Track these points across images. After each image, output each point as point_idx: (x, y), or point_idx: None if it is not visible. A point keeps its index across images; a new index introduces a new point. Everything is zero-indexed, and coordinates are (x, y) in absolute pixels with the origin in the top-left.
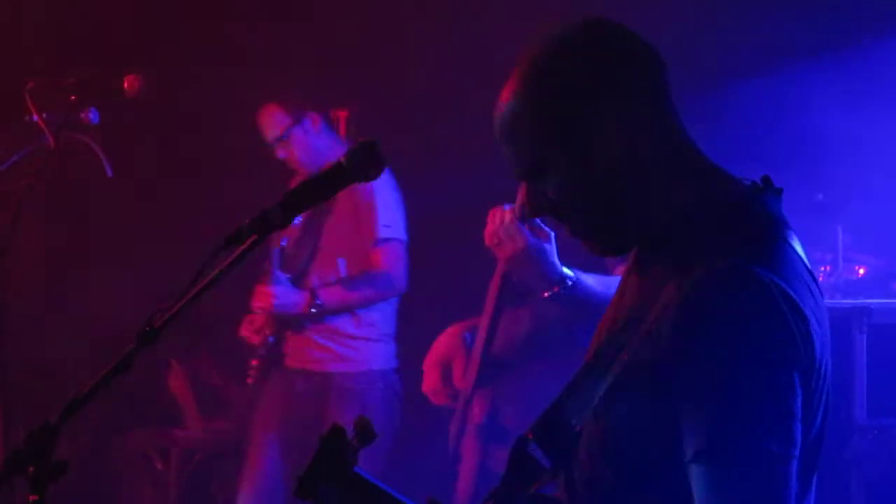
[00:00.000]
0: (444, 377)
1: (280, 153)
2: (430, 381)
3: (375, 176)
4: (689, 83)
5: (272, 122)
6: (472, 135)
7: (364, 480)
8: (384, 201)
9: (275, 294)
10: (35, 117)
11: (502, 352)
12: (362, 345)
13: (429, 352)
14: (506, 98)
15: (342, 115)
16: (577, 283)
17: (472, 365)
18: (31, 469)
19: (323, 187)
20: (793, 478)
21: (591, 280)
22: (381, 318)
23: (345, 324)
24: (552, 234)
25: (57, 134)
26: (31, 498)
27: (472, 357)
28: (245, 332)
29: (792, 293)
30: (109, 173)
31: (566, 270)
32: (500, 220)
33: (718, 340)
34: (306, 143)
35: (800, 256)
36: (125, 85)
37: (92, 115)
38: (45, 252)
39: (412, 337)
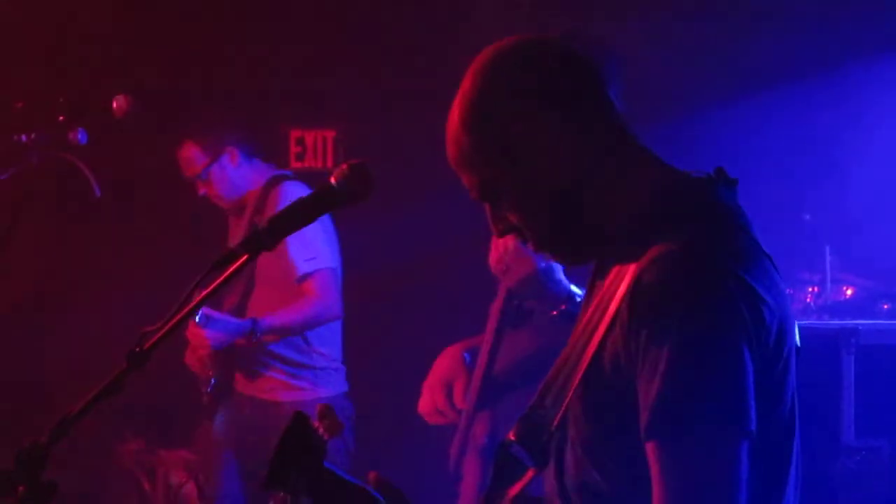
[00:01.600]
0: (447, 398)
1: (200, 190)
2: (431, 402)
3: (364, 197)
4: (674, 104)
5: (190, 160)
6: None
7: (334, 473)
8: (299, 235)
9: (209, 337)
10: (24, 137)
11: (504, 373)
12: (309, 373)
13: (429, 372)
14: (450, 126)
15: (329, 135)
16: (583, 299)
17: (474, 386)
18: (21, 489)
19: (311, 209)
20: (743, 454)
21: None
22: (327, 344)
23: (291, 351)
24: None
25: (45, 154)
26: None
27: (473, 378)
28: (188, 360)
29: (742, 273)
30: (97, 193)
31: (573, 288)
32: (505, 246)
33: (667, 318)
34: (224, 178)
35: (753, 239)
36: (113, 105)
37: (80, 135)
38: (35, 271)
39: (410, 357)
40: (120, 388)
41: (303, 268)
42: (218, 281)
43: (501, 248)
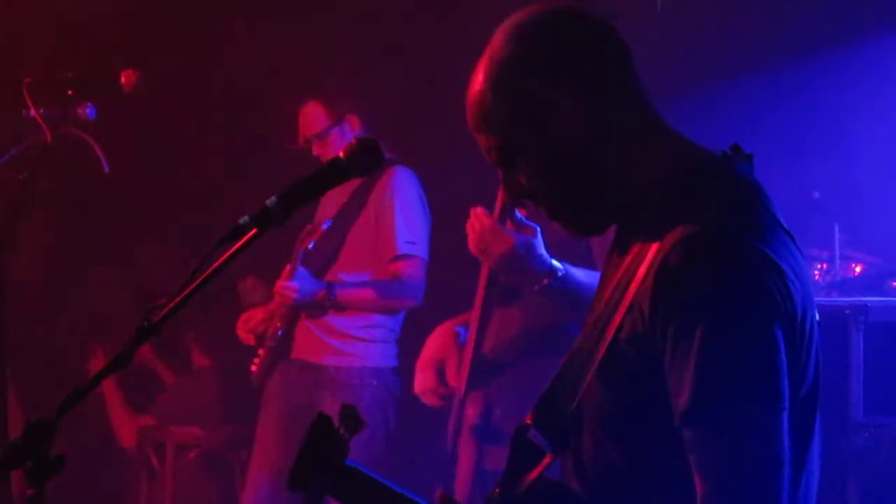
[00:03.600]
0: (439, 376)
1: (316, 150)
2: (423, 382)
3: (371, 172)
4: (683, 82)
5: (313, 119)
6: (459, 129)
7: (357, 471)
8: (407, 218)
9: (297, 288)
10: (32, 112)
11: (494, 352)
12: (360, 343)
13: (421, 352)
14: (473, 87)
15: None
16: (566, 274)
17: (464, 366)
18: (29, 463)
19: (321, 182)
20: (784, 431)
21: (580, 273)
22: (384, 319)
23: (344, 322)
24: (538, 228)
25: (54, 129)
26: (29, 492)
27: (463, 358)
28: (241, 332)
29: (767, 250)
30: (106, 169)
31: (555, 262)
32: (482, 225)
33: (696, 302)
34: (343, 143)
35: (774, 216)
36: (122, 80)
37: (89, 111)
38: (43, 247)
39: (404, 336)
40: (128, 363)
41: (403, 248)
42: (227, 255)
43: (479, 227)
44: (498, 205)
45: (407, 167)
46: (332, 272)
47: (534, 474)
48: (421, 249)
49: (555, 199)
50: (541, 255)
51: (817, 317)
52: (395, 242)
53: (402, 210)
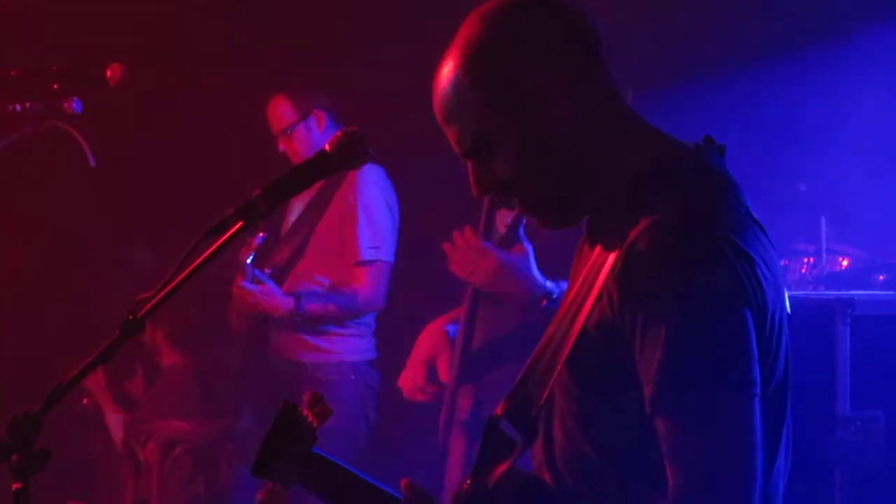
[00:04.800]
0: (428, 375)
1: (281, 146)
2: (411, 379)
3: (358, 165)
4: (669, 74)
5: (278, 114)
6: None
7: (323, 459)
8: (371, 222)
9: (254, 294)
10: (18, 106)
11: (484, 348)
12: (337, 338)
13: (413, 350)
14: (445, 75)
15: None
16: (562, 294)
17: (454, 361)
18: (15, 457)
19: (307, 175)
20: (756, 417)
21: None
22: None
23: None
24: (529, 248)
25: (39, 123)
26: (15, 486)
27: (453, 353)
28: (231, 315)
29: (737, 239)
30: (92, 162)
31: (549, 284)
32: (466, 244)
33: (665, 290)
34: (308, 140)
35: (745, 206)
36: (108, 74)
37: (75, 105)
38: (30, 242)
39: (394, 332)
40: (113, 357)
41: (366, 254)
42: (212, 248)
43: (464, 247)
44: (482, 220)
45: (376, 164)
46: (298, 270)
47: (504, 466)
48: (384, 253)
49: (529, 189)
50: (532, 277)
51: (788, 309)
52: (359, 248)
53: (365, 212)
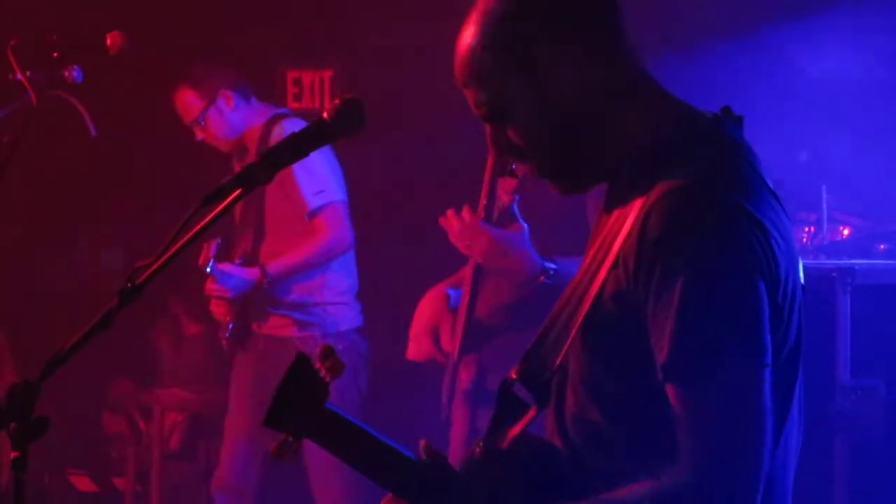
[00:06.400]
0: (435, 343)
1: (198, 135)
2: (421, 350)
3: (356, 132)
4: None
5: (186, 106)
6: (448, 93)
7: (337, 415)
8: (306, 169)
9: (226, 288)
10: (18, 75)
11: (487, 318)
12: (318, 310)
13: (413, 319)
14: (464, 40)
15: (327, 75)
16: (559, 270)
17: (458, 331)
18: (13, 426)
19: (305, 143)
20: (767, 386)
21: (574, 264)
22: (337, 279)
23: (298, 295)
24: (525, 226)
25: (40, 92)
26: (12, 455)
27: (456, 323)
28: (213, 308)
29: (752, 208)
30: (93, 132)
31: (547, 263)
32: (460, 224)
33: (679, 256)
34: (222, 122)
35: (761, 177)
36: (108, 42)
37: (76, 73)
38: (32, 210)
39: (394, 301)
40: (110, 325)
41: (313, 202)
42: (210, 216)
43: (457, 225)
44: (482, 197)
45: (295, 118)
46: (264, 248)
47: (517, 429)
48: (332, 194)
49: (545, 155)
50: (528, 253)
51: (802, 280)
52: (304, 199)
53: (299, 164)
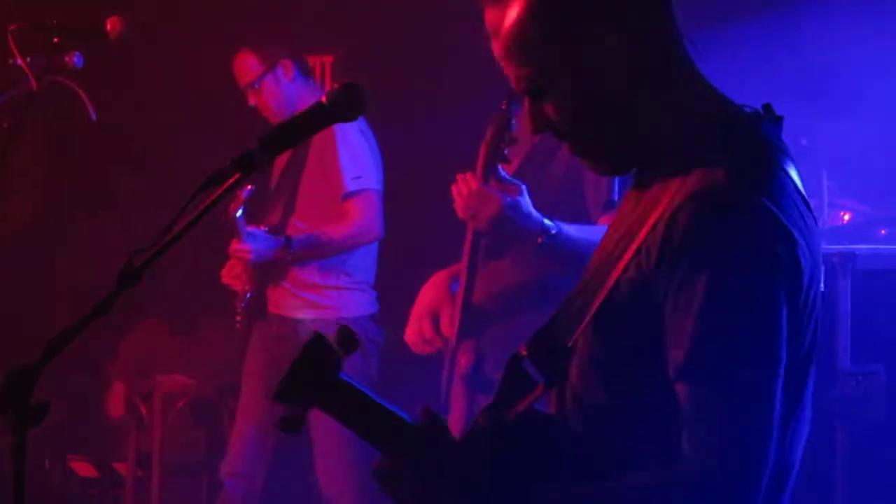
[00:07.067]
0: (434, 327)
1: (251, 100)
2: (417, 332)
3: (355, 117)
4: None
5: (244, 68)
6: (451, 79)
7: (347, 384)
8: (350, 153)
9: (250, 249)
10: (18, 61)
11: (485, 303)
12: (334, 293)
13: (415, 302)
14: (510, 14)
15: (328, 60)
16: (559, 231)
17: (455, 316)
18: (11, 411)
19: (303, 127)
20: (777, 397)
21: (573, 229)
22: (356, 266)
23: (316, 276)
24: (523, 186)
25: (40, 77)
26: (11, 440)
27: (454, 308)
28: (227, 278)
29: (780, 215)
30: (93, 117)
31: (546, 221)
32: (468, 189)
33: (704, 257)
34: (277, 91)
35: (794, 183)
36: (108, 27)
37: (76, 59)
38: (33, 196)
39: (395, 286)
40: (111, 309)
41: (350, 185)
42: (209, 200)
43: (466, 192)
44: (480, 165)
45: None
46: (292, 223)
47: (524, 404)
48: (369, 181)
49: (580, 134)
50: (529, 214)
51: (822, 287)
52: (343, 180)
53: (343, 145)
